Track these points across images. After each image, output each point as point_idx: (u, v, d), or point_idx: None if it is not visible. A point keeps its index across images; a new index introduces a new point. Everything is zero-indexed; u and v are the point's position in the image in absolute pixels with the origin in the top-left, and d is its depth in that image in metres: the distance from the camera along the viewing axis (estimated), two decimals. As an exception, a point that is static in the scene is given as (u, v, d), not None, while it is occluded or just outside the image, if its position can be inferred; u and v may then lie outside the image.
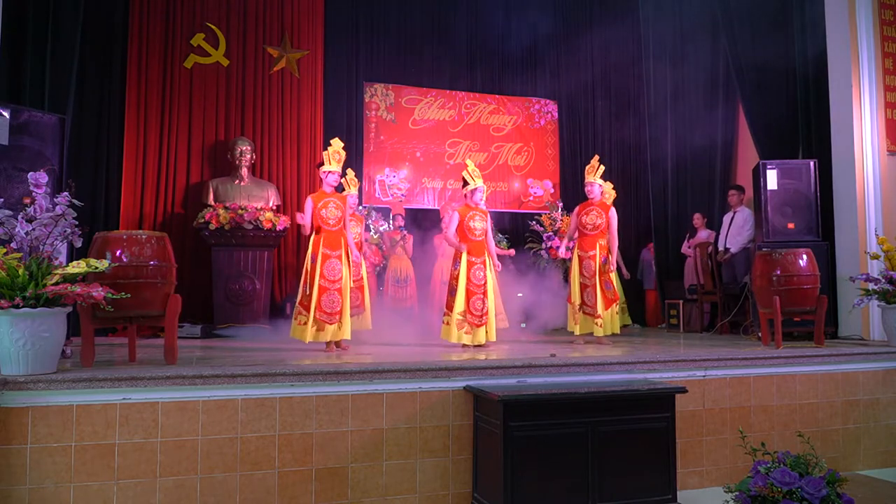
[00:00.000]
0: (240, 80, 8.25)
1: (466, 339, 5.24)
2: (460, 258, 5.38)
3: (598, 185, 6.13)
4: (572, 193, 9.42)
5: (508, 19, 9.55)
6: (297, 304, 5.20)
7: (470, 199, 5.57)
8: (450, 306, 5.33)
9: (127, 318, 3.99)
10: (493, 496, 3.57)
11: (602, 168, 6.22)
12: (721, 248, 7.42)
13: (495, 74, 9.63)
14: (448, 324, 5.30)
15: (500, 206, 9.43)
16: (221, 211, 7.29)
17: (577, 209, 6.23)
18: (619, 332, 6.11)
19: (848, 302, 5.82)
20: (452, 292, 5.36)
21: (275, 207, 7.82)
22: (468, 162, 5.85)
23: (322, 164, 5.49)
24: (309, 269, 5.16)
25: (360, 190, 6.52)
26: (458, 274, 5.34)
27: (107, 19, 7.60)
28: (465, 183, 5.60)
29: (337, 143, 5.49)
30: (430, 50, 9.30)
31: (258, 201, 7.68)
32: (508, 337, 6.41)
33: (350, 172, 6.71)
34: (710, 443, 4.38)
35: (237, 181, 7.78)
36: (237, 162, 7.82)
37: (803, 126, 6.83)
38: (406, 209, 8.50)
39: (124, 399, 3.38)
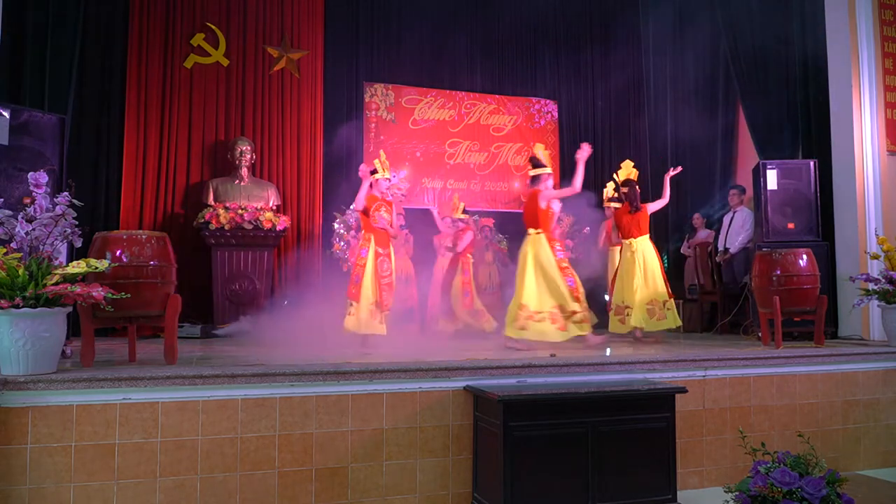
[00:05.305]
0: (240, 80, 8.23)
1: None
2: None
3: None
4: (572, 193, 9.41)
5: (508, 19, 9.54)
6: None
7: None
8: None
9: (127, 318, 3.99)
10: (493, 496, 3.57)
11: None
12: (721, 248, 7.42)
13: (495, 74, 9.60)
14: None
15: (500, 206, 9.42)
16: (221, 211, 7.29)
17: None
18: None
19: (848, 302, 5.81)
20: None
21: (275, 207, 7.82)
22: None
23: (375, 171, 5.63)
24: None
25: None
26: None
27: (107, 19, 7.59)
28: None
29: (382, 155, 6.00)
30: (430, 50, 9.27)
31: (258, 201, 7.68)
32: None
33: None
34: (710, 443, 4.38)
35: (237, 181, 7.77)
36: (237, 162, 7.81)
37: (803, 126, 6.83)
38: (406, 209, 8.49)
39: (124, 399, 3.38)
